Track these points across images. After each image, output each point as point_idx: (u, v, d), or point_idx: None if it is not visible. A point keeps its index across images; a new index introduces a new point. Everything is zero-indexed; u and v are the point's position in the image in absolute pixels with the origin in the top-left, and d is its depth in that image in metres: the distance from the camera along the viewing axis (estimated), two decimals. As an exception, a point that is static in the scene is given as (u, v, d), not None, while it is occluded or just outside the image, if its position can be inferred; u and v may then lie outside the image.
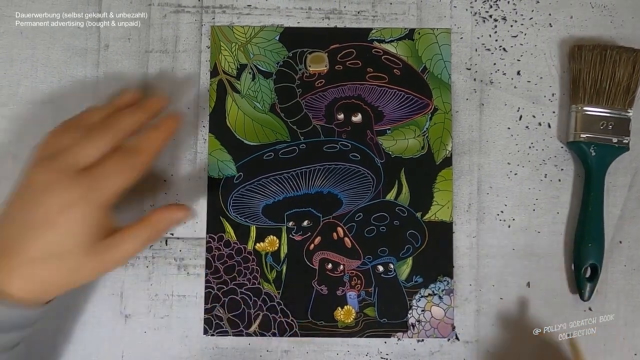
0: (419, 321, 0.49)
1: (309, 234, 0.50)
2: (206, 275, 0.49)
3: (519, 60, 0.51)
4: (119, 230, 0.40)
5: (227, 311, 0.49)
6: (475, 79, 0.51)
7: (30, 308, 0.38)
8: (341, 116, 0.51)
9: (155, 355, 0.49)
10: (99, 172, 0.39)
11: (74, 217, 0.38)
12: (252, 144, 0.50)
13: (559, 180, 0.51)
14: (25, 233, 0.38)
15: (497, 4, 0.52)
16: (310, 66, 0.51)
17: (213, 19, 0.51)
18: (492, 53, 0.51)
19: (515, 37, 0.52)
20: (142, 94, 0.48)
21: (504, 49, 0.51)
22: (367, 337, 0.49)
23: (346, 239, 0.50)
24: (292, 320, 0.49)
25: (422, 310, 0.49)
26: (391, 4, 0.52)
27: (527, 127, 0.51)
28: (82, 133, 0.41)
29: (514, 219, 0.50)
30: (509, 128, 0.51)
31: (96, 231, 0.39)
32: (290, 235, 0.50)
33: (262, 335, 0.49)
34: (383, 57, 0.51)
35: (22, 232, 0.38)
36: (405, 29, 0.51)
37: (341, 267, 0.49)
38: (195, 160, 0.50)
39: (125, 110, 0.43)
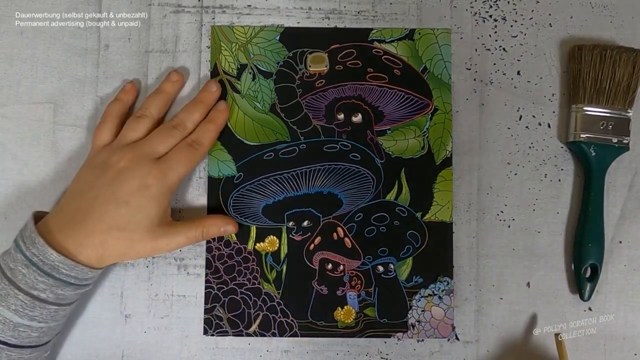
0: (419, 321, 0.49)
1: (309, 234, 0.50)
2: (206, 275, 0.49)
3: (519, 60, 0.51)
4: (174, 223, 0.47)
5: (227, 311, 0.49)
6: (475, 79, 0.51)
7: (92, 270, 0.44)
8: (341, 116, 0.51)
9: (155, 355, 0.49)
10: (170, 161, 0.46)
11: (149, 196, 0.44)
12: (252, 144, 0.50)
13: (559, 180, 0.51)
14: (102, 206, 0.43)
15: (497, 4, 0.52)
16: (310, 66, 0.51)
17: (213, 19, 0.51)
18: (492, 53, 0.51)
19: (515, 37, 0.52)
20: (182, 75, 0.50)
21: (504, 49, 0.51)
22: (367, 337, 0.49)
23: (346, 239, 0.50)
24: (292, 320, 0.49)
25: (422, 311, 0.49)
26: (391, 4, 0.52)
27: (527, 127, 0.51)
28: (158, 130, 0.47)
29: (514, 219, 0.50)
30: (509, 128, 0.51)
31: (161, 213, 0.45)
32: (290, 235, 0.50)
33: (262, 335, 0.49)
34: (383, 57, 0.51)
35: (99, 205, 0.43)
36: (405, 29, 0.51)
37: (341, 267, 0.49)
38: (195, 160, 0.51)
39: (190, 107, 0.49)
